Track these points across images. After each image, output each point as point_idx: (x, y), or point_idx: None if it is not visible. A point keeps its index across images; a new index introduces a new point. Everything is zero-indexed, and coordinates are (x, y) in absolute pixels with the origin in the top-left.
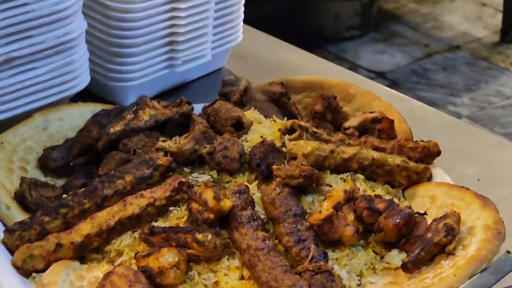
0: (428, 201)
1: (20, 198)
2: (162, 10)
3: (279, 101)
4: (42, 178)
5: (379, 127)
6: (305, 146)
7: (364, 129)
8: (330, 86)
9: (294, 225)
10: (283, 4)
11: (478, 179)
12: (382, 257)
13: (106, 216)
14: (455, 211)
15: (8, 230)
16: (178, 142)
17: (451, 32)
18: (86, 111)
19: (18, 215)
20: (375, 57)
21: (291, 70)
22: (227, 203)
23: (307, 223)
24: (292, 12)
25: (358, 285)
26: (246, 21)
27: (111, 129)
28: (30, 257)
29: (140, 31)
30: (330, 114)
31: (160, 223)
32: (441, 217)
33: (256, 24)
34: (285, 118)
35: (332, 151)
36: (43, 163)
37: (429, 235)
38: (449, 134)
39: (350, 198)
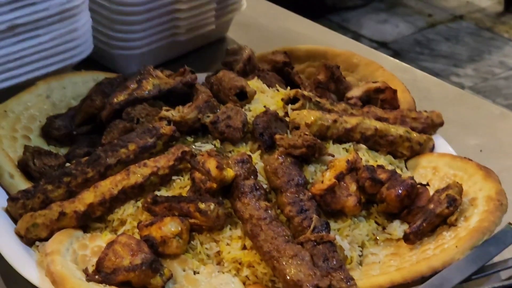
0: (431, 172)
1: (23, 167)
2: None
3: (282, 70)
4: (45, 146)
5: (382, 97)
6: (308, 115)
7: (367, 99)
8: (334, 55)
9: (296, 195)
10: None
11: (481, 150)
12: (384, 228)
13: (109, 185)
14: (457, 182)
15: (11, 199)
16: (181, 111)
17: (455, 2)
18: (89, 79)
19: (21, 183)
20: (378, 27)
21: (294, 39)
22: (230, 173)
23: (309, 193)
24: None
25: (360, 256)
26: None
27: (115, 99)
28: (33, 226)
29: None
30: (333, 84)
31: (163, 192)
32: (443, 188)
33: None
34: (288, 87)
35: (335, 121)
36: (46, 132)
37: (431, 206)
38: (452, 105)
39: (353, 168)
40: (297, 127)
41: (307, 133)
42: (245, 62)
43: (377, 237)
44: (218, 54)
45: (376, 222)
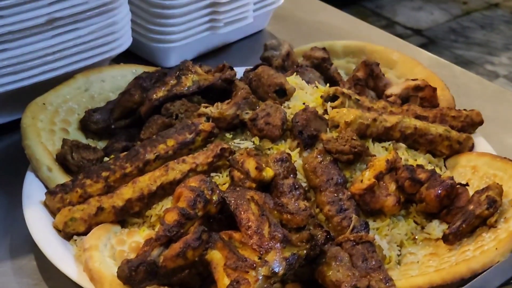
0: (470, 171)
1: (61, 160)
2: None
3: (321, 66)
4: (83, 139)
5: (421, 95)
6: (347, 114)
7: (406, 97)
8: (372, 51)
9: (335, 194)
10: None
11: None
12: (422, 228)
13: (148, 181)
14: (497, 183)
15: (50, 192)
16: (220, 107)
17: None
18: (127, 72)
19: (59, 177)
20: (412, 14)
21: (331, 32)
22: (269, 173)
23: (349, 193)
24: None
25: (398, 255)
26: None
27: (154, 94)
28: (71, 220)
29: None
30: (372, 81)
31: None
32: (483, 189)
33: None
34: (327, 84)
35: (374, 120)
36: (85, 125)
37: (471, 207)
38: (491, 102)
39: (392, 168)
40: (337, 126)
41: (354, 137)
42: (284, 58)
43: (416, 237)
44: (256, 47)
45: (415, 222)
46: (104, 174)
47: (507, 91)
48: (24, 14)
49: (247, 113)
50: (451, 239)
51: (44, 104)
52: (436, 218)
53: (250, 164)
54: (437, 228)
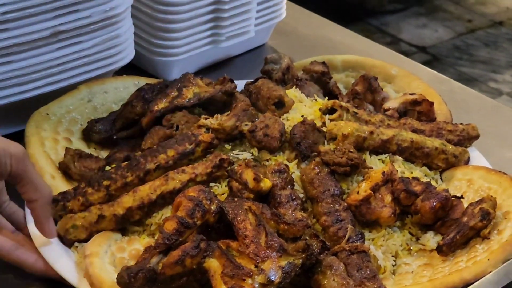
0: (465, 184)
1: (64, 168)
2: None
3: (321, 80)
4: (85, 149)
5: (419, 109)
6: (345, 126)
7: (404, 111)
8: (371, 66)
9: (332, 205)
10: None
11: None
12: (417, 239)
13: (148, 190)
14: (491, 196)
15: (52, 200)
16: (219, 119)
17: (495, 8)
18: (130, 84)
19: (62, 185)
20: (417, 31)
21: (332, 48)
22: (267, 183)
23: (345, 204)
24: None
25: (393, 265)
26: None
27: (155, 106)
28: (73, 227)
29: (185, 7)
30: (370, 94)
31: None
32: (477, 201)
33: None
34: (326, 97)
35: (371, 133)
36: (87, 135)
37: (465, 219)
38: (488, 117)
39: (388, 180)
40: (334, 138)
41: (352, 150)
42: (284, 71)
43: (411, 248)
44: (258, 61)
45: (410, 233)
46: (106, 183)
47: (505, 106)
48: (29, 27)
49: (246, 124)
50: (445, 250)
51: (47, 114)
52: (431, 230)
53: (248, 175)
54: (431, 239)
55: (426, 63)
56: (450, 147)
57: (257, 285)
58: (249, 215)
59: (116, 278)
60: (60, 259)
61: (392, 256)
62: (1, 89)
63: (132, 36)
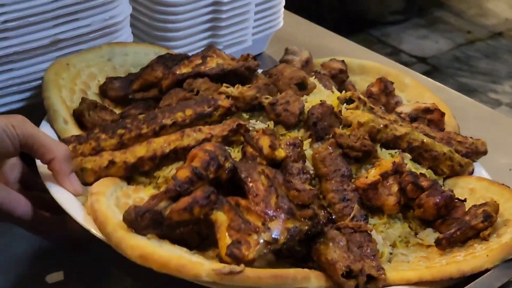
0: (468, 193)
1: (78, 116)
2: None
3: (338, 77)
4: None
5: (429, 117)
6: (362, 115)
7: (415, 117)
8: (386, 73)
9: (340, 184)
10: None
11: (510, 169)
12: (416, 234)
13: (163, 143)
14: (495, 201)
15: (64, 141)
16: (240, 88)
17: (494, 19)
18: (150, 51)
19: (74, 130)
20: (417, 42)
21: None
22: (281, 153)
23: (353, 185)
24: None
25: (390, 253)
26: (289, 2)
27: (178, 70)
28: (82, 170)
29: (183, 16)
30: (385, 97)
31: None
32: (480, 204)
33: (299, 5)
34: (344, 91)
35: (385, 126)
36: (103, 90)
37: (467, 217)
38: (484, 124)
39: (397, 170)
40: (349, 125)
41: (366, 137)
42: (303, 63)
43: (409, 240)
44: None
45: (409, 227)
46: (120, 131)
47: (501, 114)
48: (29, 35)
49: (266, 98)
50: (444, 243)
51: (67, 64)
52: (430, 227)
53: (265, 142)
54: (430, 235)
55: (426, 74)
56: (457, 155)
57: (261, 241)
58: (262, 177)
59: (123, 214)
60: (68, 199)
61: (390, 245)
62: (1, 96)
63: None
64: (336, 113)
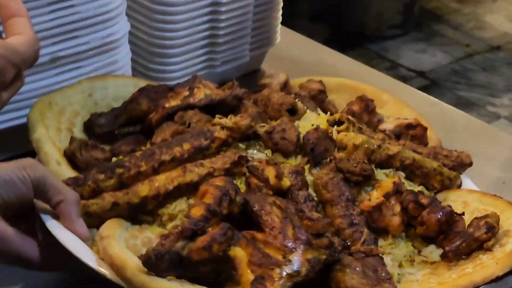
0: (461, 206)
1: (69, 156)
2: (202, 13)
3: (317, 97)
4: None
5: (412, 133)
6: (356, 137)
7: (398, 134)
8: (364, 90)
9: (346, 209)
10: (325, 1)
11: (504, 182)
12: (419, 251)
13: (165, 180)
14: (495, 213)
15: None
16: (233, 119)
17: (492, 32)
18: (129, 83)
19: (67, 172)
20: (416, 56)
21: (328, 72)
22: (286, 182)
23: (358, 209)
24: (334, 9)
25: (399, 274)
26: (286, 17)
27: (167, 103)
28: (85, 215)
29: (181, 33)
30: (366, 115)
31: None
32: (481, 216)
33: (297, 20)
34: (328, 113)
35: (379, 146)
36: (89, 127)
37: (471, 230)
38: (476, 137)
39: (398, 190)
40: (344, 148)
41: (365, 161)
42: (281, 86)
43: (414, 259)
44: (252, 85)
45: (412, 246)
46: (119, 170)
47: (492, 127)
48: None
49: (262, 126)
50: (451, 256)
51: (50, 103)
52: (433, 243)
53: (270, 172)
54: (433, 251)
55: (424, 88)
56: (445, 169)
57: (284, 275)
58: (274, 209)
59: (143, 258)
60: (78, 245)
61: (397, 265)
62: (0, 114)
63: (129, 62)
64: (331, 137)
